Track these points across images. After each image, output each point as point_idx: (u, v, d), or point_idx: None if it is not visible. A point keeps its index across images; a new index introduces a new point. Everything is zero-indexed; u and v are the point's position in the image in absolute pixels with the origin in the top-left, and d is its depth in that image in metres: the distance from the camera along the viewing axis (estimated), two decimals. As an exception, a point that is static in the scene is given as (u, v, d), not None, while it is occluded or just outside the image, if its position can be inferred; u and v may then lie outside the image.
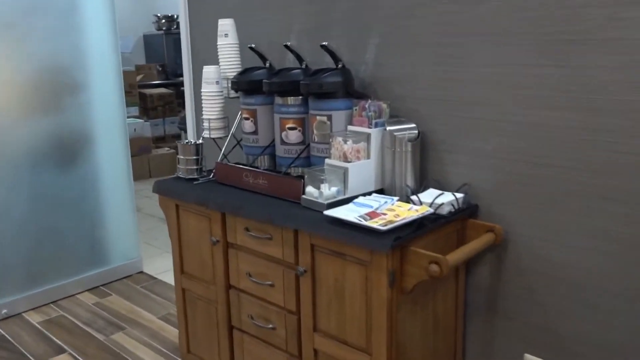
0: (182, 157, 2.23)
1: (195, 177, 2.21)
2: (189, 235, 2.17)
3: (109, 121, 3.40)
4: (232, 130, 2.27)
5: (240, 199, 1.95)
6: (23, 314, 3.07)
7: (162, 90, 7.11)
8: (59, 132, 3.17)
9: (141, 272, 3.59)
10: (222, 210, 1.97)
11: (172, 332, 2.83)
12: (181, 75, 8.13)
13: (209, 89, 2.22)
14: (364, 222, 1.55)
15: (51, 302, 3.20)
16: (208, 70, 2.22)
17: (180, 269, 2.25)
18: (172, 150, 6.28)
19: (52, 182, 3.16)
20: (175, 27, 8.11)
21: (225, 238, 2.01)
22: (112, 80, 3.39)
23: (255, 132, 2.14)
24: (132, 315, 3.02)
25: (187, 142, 2.24)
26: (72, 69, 3.18)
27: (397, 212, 1.61)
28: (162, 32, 8.03)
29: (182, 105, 7.59)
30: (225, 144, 2.25)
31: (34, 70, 3.03)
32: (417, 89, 1.89)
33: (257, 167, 2.11)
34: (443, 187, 1.83)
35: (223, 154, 2.24)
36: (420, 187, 1.84)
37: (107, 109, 3.38)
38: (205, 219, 2.07)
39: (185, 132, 5.13)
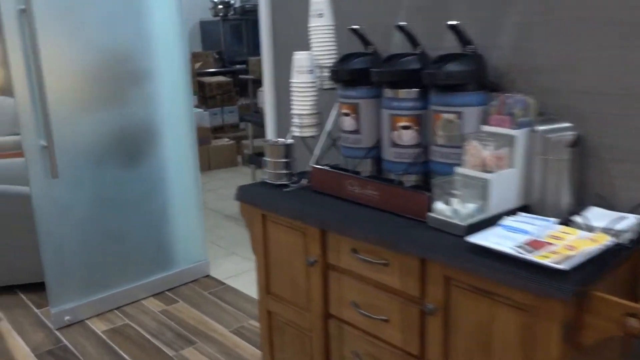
0: (269, 159, 1.91)
1: (285, 182, 1.89)
2: (278, 251, 1.86)
3: (175, 113, 3.13)
4: (328, 127, 1.93)
5: (345, 213, 1.61)
6: (86, 321, 2.86)
7: (220, 78, 6.86)
8: (123, 126, 2.92)
9: (208, 276, 3.33)
10: (325, 227, 1.64)
11: (248, 350, 2.55)
12: (238, 62, 7.86)
13: (301, 79, 1.89)
14: (528, 256, 1.18)
15: (115, 308, 2.97)
16: (300, 57, 1.88)
17: (266, 288, 1.94)
18: (232, 141, 6.03)
19: (117, 180, 2.92)
20: (232, 13, 7.85)
21: (324, 259, 1.69)
22: (179, 68, 3.12)
23: (356, 131, 1.80)
24: (202, 327, 2.76)
25: (275, 142, 1.92)
26: (136, 56, 2.92)
27: (566, 241, 1.24)
28: (218, 18, 7.78)
29: (240, 93, 7.35)
30: (320, 144, 1.92)
31: (96, 58, 2.78)
32: (577, 80, 1.49)
33: (357, 173, 1.77)
34: (610, 205, 1.44)
35: (316, 156, 1.91)
36: (579, 204, 1.45)
37: (173, 99, 3.11)
38: (300, 235, 1.75)
39: (253, 123, 4.77)
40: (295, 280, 1.81)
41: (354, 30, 1.84)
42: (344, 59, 1.82)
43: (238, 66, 7.66)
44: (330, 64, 1.90)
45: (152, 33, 2.97)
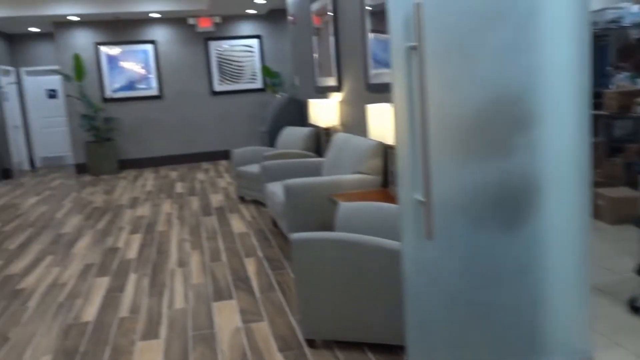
0: None
1: None
2: None
3: (564, 166, 2.49)
4: None
5: None
6: (444, 408, 2.41)
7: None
8: (503, 180, 2.41)
9: (590, 376, 2.58)
10: None
11: None
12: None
13: None
14: None
15: (476, 399, 2.46)
16: None
17: None
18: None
19: (491, 246, 2.42)
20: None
21: None
22: (575, 109, 2.48)
23: None
24: None
25: None
26: (524, 96, 2.39)
27: None
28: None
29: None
30: None
31: (481, 100, 2.34)
32: None
33: None
34: None
35: None
36: None
37: (564, 148, 2.48)
38: None
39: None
40: None
41: None
42: None
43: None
44: None
45: (545, 68, 2.41)
